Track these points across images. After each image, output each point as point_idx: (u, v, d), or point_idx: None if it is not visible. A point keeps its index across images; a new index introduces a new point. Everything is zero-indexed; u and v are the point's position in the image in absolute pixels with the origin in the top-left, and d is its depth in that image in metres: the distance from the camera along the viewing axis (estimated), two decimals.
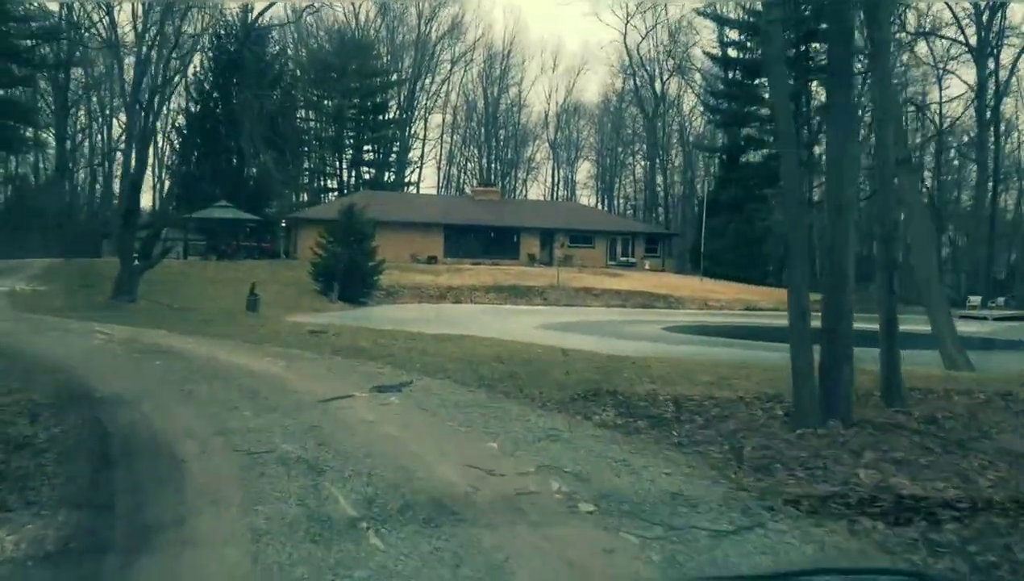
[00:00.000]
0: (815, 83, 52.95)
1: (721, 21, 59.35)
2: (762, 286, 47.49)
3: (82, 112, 58.58)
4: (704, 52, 62.61)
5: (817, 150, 50.78)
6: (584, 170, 79.49)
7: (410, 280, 42.87)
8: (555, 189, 77.56)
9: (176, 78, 26.17)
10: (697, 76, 66.82)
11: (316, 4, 24.41)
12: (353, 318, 30.34)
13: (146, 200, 58.73)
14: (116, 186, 60.57)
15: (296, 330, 18.00)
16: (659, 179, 70.83)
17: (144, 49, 25.59)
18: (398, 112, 69.27)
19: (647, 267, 51.16)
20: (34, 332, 14.39)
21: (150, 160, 56.67)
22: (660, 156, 69.41)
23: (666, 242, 55.80)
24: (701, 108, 66.68)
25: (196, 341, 13.98)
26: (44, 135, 57.87)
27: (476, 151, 76.83)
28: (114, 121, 53.83)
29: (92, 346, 12.20)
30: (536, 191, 76.83)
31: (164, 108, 57.23)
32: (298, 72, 62.16)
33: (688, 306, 42.24)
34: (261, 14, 24.96)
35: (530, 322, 30.25)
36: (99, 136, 59.77)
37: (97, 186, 59.18)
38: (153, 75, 24.61)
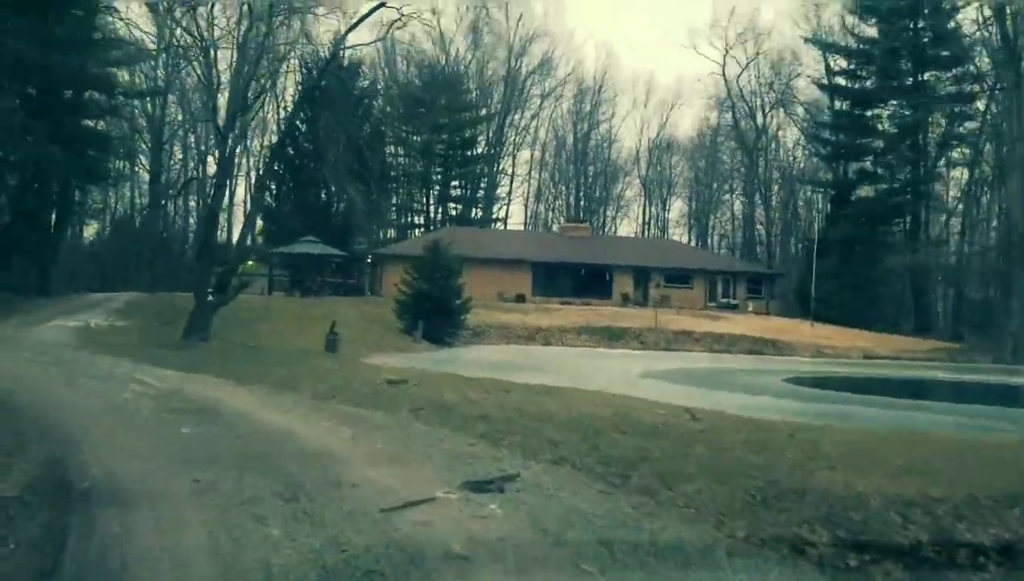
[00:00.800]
0: None
1: (828, 49, 55.72)
2: (878, 332, 43.34)
3: (177, 148, 58.89)
4: (813, 81, 58.90)
5: None
6: (676, 208, 76.30)
7: (497, 319, 40.36)
8: (645, 227, 74.52)
9: (258, 103, 24.65)
10: (800, 108, 63.02)
11: (401, 21, 22.28)
12: (438, 361, 27.94)
13: (237, 235, 58.25)
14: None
15: (373, 378, 15.53)
16: (759, 216, 67.00)
17: (235, 78, 23.93)
18: (486, 148, 67.57)
19: (750, 309, 47.49)
20: (66, 378, 12.32)
21: (240, 194, 56.31)
22: (763, 192, 65.65)
23: (769, 283, 51.99)
24: (804, 141, 62.81)
25: (252, 394, 11.63)
26: (140, 170, 58.19)
27: (564, 188, 74.51)
28: (209, 157, 53.30)
29: (120, 401, 9.94)
30: (625, 229, 73.92)
31: (252, 141, 57.39)
32: (387, 107, 61.07)
33: (799, 353, 38.52)
34: (349, 30, 22.85)
35: (631, 369, 27.31)
36: (195, 172, 59.74)
37: (191, 220, 58.96)
38: (236, 96, 22.81)
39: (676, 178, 76.10)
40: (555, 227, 69.57)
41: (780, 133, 67.67)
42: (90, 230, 60.05)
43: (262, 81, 23.54)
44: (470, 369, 24.18)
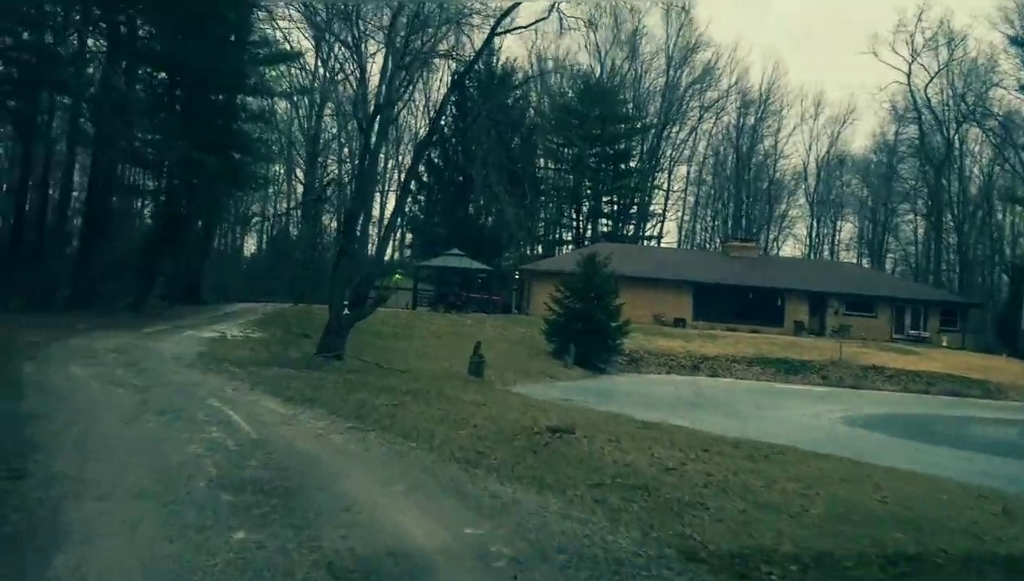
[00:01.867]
0: None
1: None
2: None
3: (332, 160, 58.16)
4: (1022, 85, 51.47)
5: None
6: (846, 229, 69.63)
7: (655, 345, 36.21)
8: (812, 248, 68.23)
9: (405, 94, 22.12)
10: (996, 120, 55.53)
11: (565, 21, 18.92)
12: (597, 393, 24.29)
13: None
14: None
15: (528, 422, 12.08)
16: (947, 239, 59.57)
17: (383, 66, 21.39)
18: (640, 161, 63.53)
19: (943, 343, 41.18)
20: (139, 407, 9.52)
21: (385, 204, 54.64)
22: (955, 212, 58.29)
23: (963, 314, 45.25)
24: (1003, 155, 55.22)
25: (370, 451, 8.40)
26: (296, 182, 57.74)
27: (722, 205, 69.37)
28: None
29: (175, 460, 6.83)
30: (789, 250, 67.90)
31: (401, 155, 55.85)
32: (539, 119, 58.19)
33: (1011, 396, 32.47)
34: (493, 35, 19.70)
35: (825, 412, 22.78)
36: (349, 187, 58.77)
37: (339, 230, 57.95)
38: (381, 88, 20.15)
39: (847, 197, 69.54)
40: (711, 247, 64.94)
41: (974, 147, 60.17)
42: (250, 243, 60.24)
43: (411, 72, 20.65)
44: (638, 407, 20.37)
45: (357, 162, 24.28)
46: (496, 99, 34.16)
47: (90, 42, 27.48)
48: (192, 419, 9.02)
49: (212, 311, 35.35)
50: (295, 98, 44.05)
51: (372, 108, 20.91)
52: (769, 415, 21.92)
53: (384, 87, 19.85)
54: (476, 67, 44.53)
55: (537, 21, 20.13)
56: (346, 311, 21.78)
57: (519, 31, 19.63)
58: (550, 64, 60.99)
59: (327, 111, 52.64)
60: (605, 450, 10.72)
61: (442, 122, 41.24)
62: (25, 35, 25.36)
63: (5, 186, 32.39)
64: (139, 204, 37.69)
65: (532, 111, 56.17)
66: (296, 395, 12.78)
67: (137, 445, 7.38)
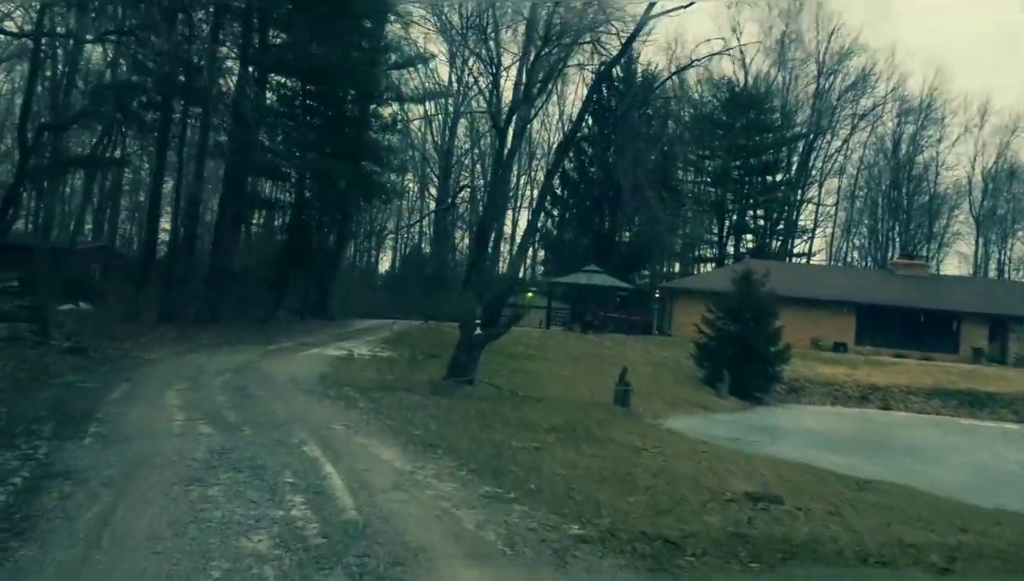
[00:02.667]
0: None
1: None
2: None
3: (464, 176, 56.57)
4: None
5: None
6: (1018, 247, 62.48)
7: (816, 372, 32.08)
8: (978, 267, 61.48)
9: (544, 92, 19.58)
10: None
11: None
12: (764, 430, 20.92)
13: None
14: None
15: (713, 487, 9.11)
16: None
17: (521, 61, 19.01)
18: (788, 174, 58.83)
19: None
20: (214, 456, 7.11)
21: (516, 221, 52.44)
22: None
23: None
24: None
25: (508, 529, 5.72)
26: (429, 198, 56.55)
27: (877, 221, 63.51)
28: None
29: (232, 567, 4.32)
30: (951, 268, 61.37)
31: (535, 170, 53.62)
32: (679, 130, 54.66)
33: None
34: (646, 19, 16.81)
35: None
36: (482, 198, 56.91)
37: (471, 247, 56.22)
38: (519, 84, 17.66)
39: (1019, 212, 62.46)
40: (864, 264, 59.48)
41: None
42: (385, 260, 59.52)
43: (549, 66, 18.13)
44: (818, 449, 16.96)
45: (491, 168, 21.97)
46: (645, 94, 31.28)
47: (222, 51, 26.42)
48: (275, 481, 6.57)
49: (341, 328, 33.89)
50: (427, 109, 42.47)
51: (508, 106, 18.48)
52: (978, 459, 17.96)
53: (524, 74, 17.31)
54: (614, 73, 41.96)
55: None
56: (478, 331, 19.35)
57: (677, 11, 16.66)
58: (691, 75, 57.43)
59: (460, 124, 51.20)
60: (832, 530, 7.70)
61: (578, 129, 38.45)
62: (158, 45, 24.51)
63: (145, 198, 31.93)
64: (270, 217, 36.83)
65: (672, 122, 52.65)
66: (419, 435, 10.27)
67: (174, 537, 4.92)
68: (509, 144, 19.63)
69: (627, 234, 44.29)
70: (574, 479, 8.71)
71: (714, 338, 28.59)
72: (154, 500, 5.72)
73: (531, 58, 17.98)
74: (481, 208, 23.46)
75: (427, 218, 49.51)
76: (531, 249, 49.65)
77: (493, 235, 24.17)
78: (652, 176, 27.00)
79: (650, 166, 26.56)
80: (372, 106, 31.72)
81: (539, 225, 49.93)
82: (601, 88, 37.29)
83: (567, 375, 25.67)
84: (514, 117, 18.47)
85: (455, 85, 47.19)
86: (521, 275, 54.49)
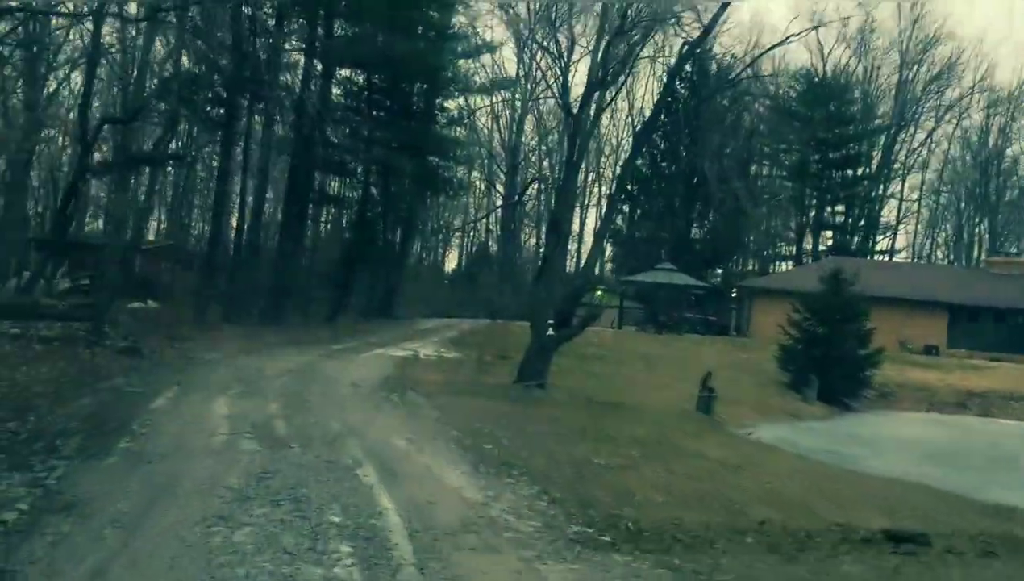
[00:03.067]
0: None
1: None
2: None
3: (532, 173, 55.25)
4: None
5: None
6: None
7: (906, 377, 29.80)
8: None
9: (622, 74, 18.17)
10: None
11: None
12: (861, 441, 19.09)
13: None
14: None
15: (838, 521, 7.59)
16: None
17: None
18: (867, 168, 55.84)
19: None
20: (245, 490, 5.86)
21: (584, 219, 50.89)
22: None
23: None
24: None
25: (599, 575, 4.32)
26: (496, 195, 55.45)
27: (965, 216, 60.00)
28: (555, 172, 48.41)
29: None
30: None
31: (604, 167, 52.00)
32: (756, 122, 52.32)
33: None
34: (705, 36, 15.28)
35: None
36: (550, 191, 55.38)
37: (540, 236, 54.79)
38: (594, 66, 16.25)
39: None
40: (949, 261, 56.22)
41: None
42: (451, 258, 58.64)
43: (628, 46, 16.69)
44: (930, 464, 15.14)
45: (563, 157, 20.58)
46: (720, 84, 29.56)
47: (287, 44, 25.67)
48: (319, 520, 5.36)
49: (407, 327, 32.93)
50: (493, 105, 41.24)
51: (584, 90, 17.09)
52: None
53: (599, 56, 15.90)
54: (686, 68, 40.23)
55: None
56: (550, 331, 18.02)
57: None
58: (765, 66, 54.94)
59: (527, 120, 49.92)
60: None
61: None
62: (222, 38, 23.86)
63: (210, 194, 31.45)
64: (336, 214, 36.09)
65: (748, 114, 50.37)
66: (490, 452, 9.01)
67: None
68: (581, 134, 18.21)
69: (702, 230, 42.35)
70: (674, 510, 7.32)
71: (800, 340, 26.74)
72: (165, 547, 4.55)
73: (605, 42, 16.57)
74: (552, 201, 22.24)
75: (494, 214, 48.27)
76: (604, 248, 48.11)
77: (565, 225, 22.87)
78: (736, 169, 25.30)
79: (734, 157, 24.84)
80: (438, 100, 30.65)
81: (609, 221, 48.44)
82: (683, 69, 35.42)
83: (643, 379, 24.13)
84: (592, 99, 17.10)
85: (522, 80, 45.87)
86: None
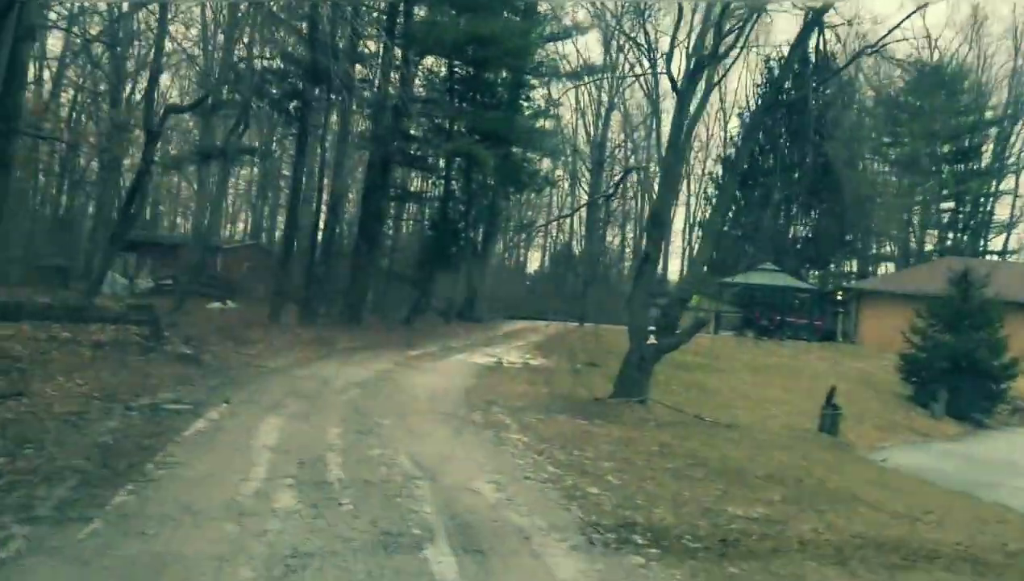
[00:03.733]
0: None
1: None
2: None
3: (617, 171, 52.76)
4: None
5: None
6: None
7: None
8: None
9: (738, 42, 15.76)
10: None
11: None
12: (1014, 469, 16.17)
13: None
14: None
15: None
16: None
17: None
18: (979, 163, 51.33)
19: None
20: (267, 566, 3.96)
21: (681, 214, 48.08)
22: None
23: None
24: None
25: None
26: (580, 194, 53.22)
27: None
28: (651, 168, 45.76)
29: None
30: None
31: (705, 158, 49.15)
32: (862, 115, 48.62)
33: None
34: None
35: None
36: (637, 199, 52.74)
37: (628, 233, 52.18)
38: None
39: None
40: None
41: None
42: (534, 259, 56.73)
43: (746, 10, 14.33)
44: None
45: (668, 138, 18.22)
46: (822, 74, 26.67)
47: (366, 32, 24.03)
48: None
49: (488, 330, 31.04)
50: (578, 97, 38.94)
51: (691, 63, 14.79)
52: None
53: (714, 29, 13.57)
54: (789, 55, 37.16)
55: None
56: (651, 339, 15.75)
57: None
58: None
59: (613, 117, 47.47)
60: None
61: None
62: (299, 28, 22.45)
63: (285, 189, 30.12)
64: (415, 212, 34.45)
65: (853, 105, 46.75)
66: (600, 499, 6.90)
67: None
68: (687, 113, 15.87)
69: (803, 228, 39.20)
70: None
71: (922, 348, 23.78)
72: None
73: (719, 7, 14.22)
74: (647, 195, 20.04)
75: (578, 212, 45.94)
76: (692, 247, 45.34)
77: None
78: (849, 159, 22.60)
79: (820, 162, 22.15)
80: (523, 90, 28.59)
81: (697, 221, 45.55)
82: (807, 42, 32.31)
83: (749, 391, 21.60)
84: (701, 74, 14.79)
85: (609, 71, 43.45)
86: (682, 274, 50.11)
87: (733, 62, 20.53)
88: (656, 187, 21.08)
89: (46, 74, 37.44)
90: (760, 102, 21.56)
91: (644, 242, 15.45)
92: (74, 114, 34.97)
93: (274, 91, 24.11)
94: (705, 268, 44.20)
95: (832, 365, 27.31)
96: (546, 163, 33.76)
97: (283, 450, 7.60)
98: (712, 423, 14.90)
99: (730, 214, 42.33)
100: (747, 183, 41.61)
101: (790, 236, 40.00)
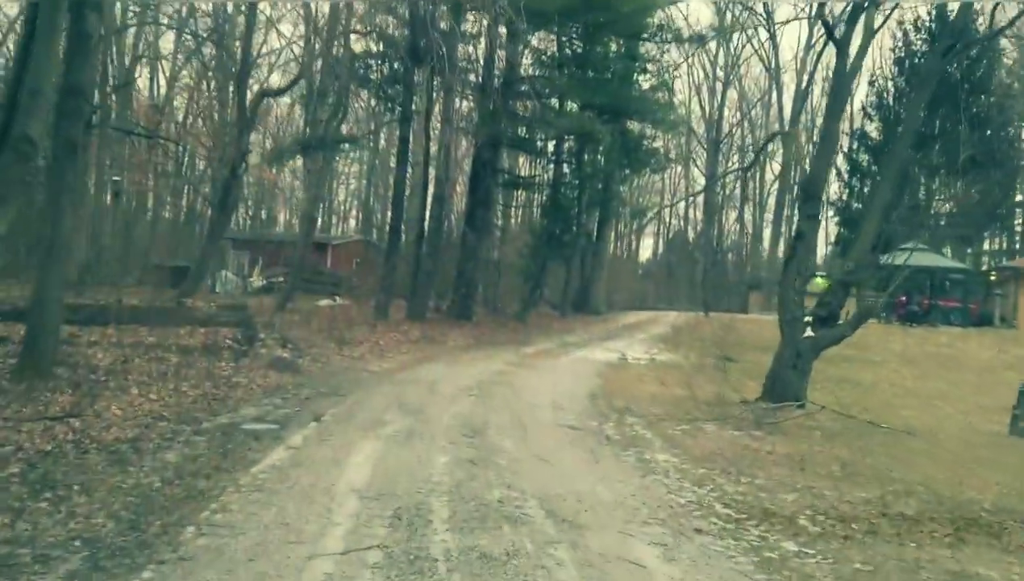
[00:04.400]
0: None
1: None
2: None
3: (734, 154, 49.47)
4: None
5: None
6: None
7: None
8: None
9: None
10: None
11: None
12: None
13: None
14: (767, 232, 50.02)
15: None
16: None
17: None
18: None
19: None
20: None
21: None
22: None
23: None
24: None
25: None
26: (695, 178, 50.25)
27: None
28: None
29: None
30: None
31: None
32: (1009, 79, 43.52)
33: None
34: None
35: None
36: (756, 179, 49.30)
37: (747, 231, 48.79)
38: None
39: None
40: None
41: None
42: (645, 247, 54.15)
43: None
44: None
45: (828, 95, 15.40)
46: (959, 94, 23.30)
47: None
48: None
49: (606, 323, 28.83)
50: (692, 69, 35.86)
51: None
52: None
53: None
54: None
55: None
56: (808, 332, 13.23)
57: None
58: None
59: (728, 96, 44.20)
60: None
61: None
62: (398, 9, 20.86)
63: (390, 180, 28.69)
64: (525, 199, 32.48)
65: (1001, 67, 41.84)
66: (799, 563, 4.72)
67: None
68: (845, 65, 13.24)
69: (948, 203, 35.09)
70: None
71: None
72: None
73: None
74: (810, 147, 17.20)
75: (689, 197, 43.02)
76: (823, 225, 41.56)
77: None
78: (966, 142, 19.36)
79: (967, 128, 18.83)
80: (636, 63, 26.03)
81: (827, 197, 41.77)
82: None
83: (911, 386, 18.59)
84: (859, 17, 12.17)
85: (723, 43, 40.33)
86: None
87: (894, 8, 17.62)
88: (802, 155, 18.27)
89: (161, 78, 37.78)
90: (935, 45, 18.57)
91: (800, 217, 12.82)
92: (190, 117, 34.96)
93: (374, 76, 22.61)
94: (830, 249, 40.67)
95: (996, 353, 23.78)
96: (664, 140, 31.18)
97: (375, 494, 5.71)
98: (888, 430, 12.28)
99: (863, 190, 38.61)
100: (884, 151, 37.74)
101: (933, 212, 35.91)
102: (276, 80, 26.83)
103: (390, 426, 8.37)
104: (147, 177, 32.20)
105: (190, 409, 8.57)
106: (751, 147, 44.52)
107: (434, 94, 23.16)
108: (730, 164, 48.58)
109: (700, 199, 41.31)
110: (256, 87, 20.57)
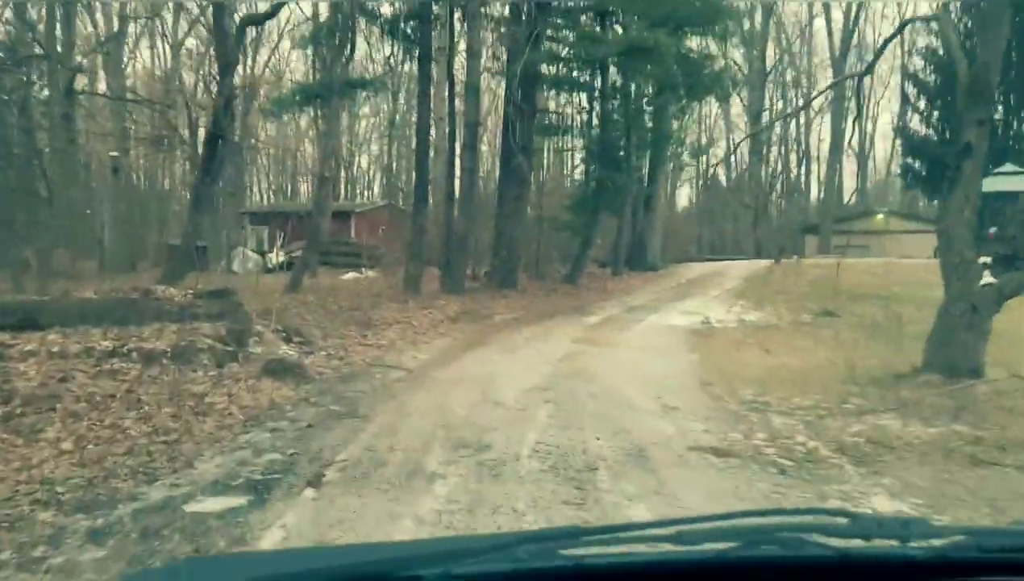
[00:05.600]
0: None
1: None
2: None
3: (777, 96, 45.01)
4: None
5: None
6: None
7: None
8: None
9: None
10: None
11: None
12: None
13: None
14: (815, 179, 45.78)
15: None
16: None
17: None
18: None
19: None
20: None
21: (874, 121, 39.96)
22: None
23: None
24: None
25: None
26: (736, 128, 45.94)
27: None
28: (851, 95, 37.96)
29: None
30: None
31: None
32: None
33: None
34: None
35: None
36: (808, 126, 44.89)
37: (803, 174, 44.55)
38: None
39: None
40: None
41: None
42: (683, 197, 50.28)
43: None
44: None
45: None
46: None
47: None
48: None
49: (666, 279, 25.16)
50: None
51: None
52: None
53: None
54: None
55: None
56: (986, 278, 9.61)
57: None
58: None
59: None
60: None
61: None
62: None
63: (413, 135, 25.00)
64: (566, 144, 28.60)
65: None
66: None
67: None
68: None
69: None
70: None
71: None
72: None
73: None
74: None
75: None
76: (890, 154, 37.36)
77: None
78: None
79: None
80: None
81: (900, 125, 37.47)
82: None
83: None
84: None
85: None
86: (856, 189, 42.51)
87: None
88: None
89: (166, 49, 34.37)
90: None
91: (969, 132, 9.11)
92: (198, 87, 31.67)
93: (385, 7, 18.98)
94: (898, 184, 36.40)
95: None
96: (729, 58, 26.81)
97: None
98: None
99: (933, 115, 34.31)
100: (949, 80, 33.34)
101: (1012, 133, 31.59)
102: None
103: (439, 486, 4.89)
104: (150, 149, 29.02)
105: (113, 469, 5.18)
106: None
107: (456, 26, 19.49)
108: (775, 103, 44.37)
109: (751, 137, 37.14)
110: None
